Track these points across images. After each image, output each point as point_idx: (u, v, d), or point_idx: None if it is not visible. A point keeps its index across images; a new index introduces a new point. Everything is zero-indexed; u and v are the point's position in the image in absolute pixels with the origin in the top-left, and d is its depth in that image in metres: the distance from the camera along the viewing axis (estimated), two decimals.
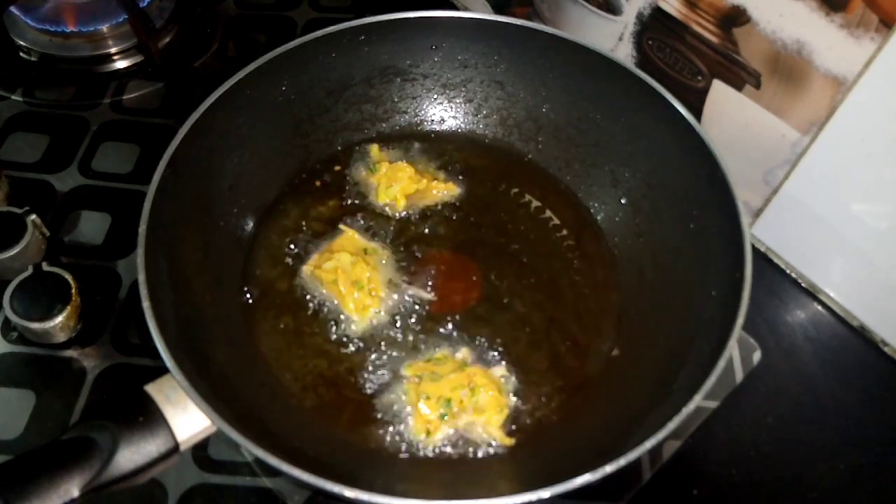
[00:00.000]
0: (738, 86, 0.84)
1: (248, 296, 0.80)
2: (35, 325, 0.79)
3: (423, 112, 0.94)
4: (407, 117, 0.94)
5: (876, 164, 0.77)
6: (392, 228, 0.86)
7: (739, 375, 0.83)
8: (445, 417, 0.72)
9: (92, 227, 0.92)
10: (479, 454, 0.71)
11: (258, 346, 0.77)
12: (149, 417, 0.59)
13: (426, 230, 0.85)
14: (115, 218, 0.93)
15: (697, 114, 0.88)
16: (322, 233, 0.84)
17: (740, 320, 0.64)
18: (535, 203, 0.88)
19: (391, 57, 0.88)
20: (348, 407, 0.73)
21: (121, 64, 1.10)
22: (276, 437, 0.65)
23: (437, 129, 0.94)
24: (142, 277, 0.64)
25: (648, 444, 0.58)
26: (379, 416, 0.73)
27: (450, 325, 0.78)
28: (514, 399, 0.74)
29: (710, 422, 0.79)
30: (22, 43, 1.09)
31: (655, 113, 0.78)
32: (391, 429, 0.72)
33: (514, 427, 0.73)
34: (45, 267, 0.82)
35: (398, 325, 0.78)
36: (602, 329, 0.79)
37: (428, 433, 0.72)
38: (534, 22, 0.85)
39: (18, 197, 0.93)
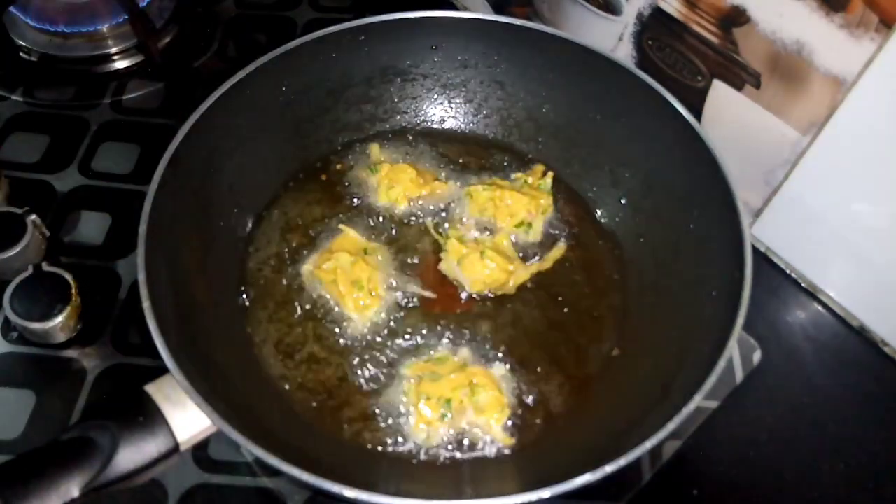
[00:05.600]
0: (738, 86, 0.84)
1: (248, 295, 0.80)
2: (35, 325, 0.79)
3: (423, 112, 0.94)
4: (407, 117, 0.94)
5: (876, 163, 0.77)
6: (392, 228, 0.86)
7: (739, 375, 0.83)
8: (446, 417, 0.72)
9: (92, 227, 0.92)
10: (480, 454, 0.71)
11: (258, 346, 0.77)
12: (149, 417, 0.59)
13: (426, 230, 0.85)
14: (115, 218, 0.93)
15: (697, 114, 0.88)
16: (322, 233, 0.85)
17: (740, 320, 0.64)
18: None
19: (391, 57, 0.88)
20: (348, 407, 0.73)
21: (121, 64, 1.10)
22: (276, 437, 0.65)
23: (438, 129, 0.94)
24: (142, 277, 0.64)
25: (648, 444, 0.58)
26: (379, 416, 0.73)
27: (450, 325, 0.78)
28: (514, 399, 0.74)
29: (710, 422, 0.79)
30: (22, 43, 1.09)
31: (655, 113, 0.78)
32: (391, 429, 0.72)
33: (514, 427, 0.73)
34: (45, 267, 0.82)
35: (398, 324, 0.78)
36: (602, 329, 0.79)
37: (428, 433, 0.72)
38: (534, 22, 0.85)
39: (18, 197, 0.93)
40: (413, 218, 0.86)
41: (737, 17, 0.80)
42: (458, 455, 0.71)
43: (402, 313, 0.79)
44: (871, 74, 0.72)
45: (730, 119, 0.87)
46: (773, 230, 0.91)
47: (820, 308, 0.90)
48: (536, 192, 0.86)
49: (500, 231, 0.85)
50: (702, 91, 0.88)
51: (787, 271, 0.92)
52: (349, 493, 0.56)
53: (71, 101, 1.05)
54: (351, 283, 0.79)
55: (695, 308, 0.72)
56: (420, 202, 0.87)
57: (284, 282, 0.81)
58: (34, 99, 1.05)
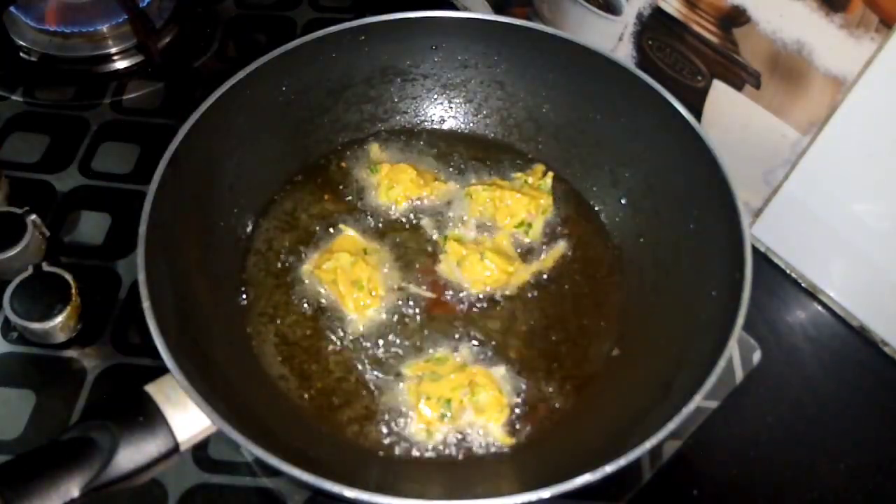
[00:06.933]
0: (738, 86, 0.84)
1: (248, 295, 0.80)
2: (35, 325, 0.79)
3: (423, 112, 0.94)
4: (407, 117, 0.94)
5: (876, 163, 0.77)
6: (392, 228, 0.86)
7: (739, 375, 0.83)
8: (446, 417, 0.72)
9: (92, 227, 0.92)
10: (480, 454, 0.71)
11: (258, 346, 0.77)
12: (149, 417, 0.59)
13: (426, 230, 0.85)
14: (115, 218, 0.93)
15: (697, 114, 0.88)
16: (322, 233, 0.85)
17: (740, 320, 0.64)
18: None
19: (391, 57, 0.88)
20: (348, 407, 0.73)
21: (121, 64, 1.10)
22: (276, 437, 0.65)
23: (438, 129, 0.94)
24: (142, 277, 0.64)
25: (648, 444, 0.58)
26: (379, 416, 0.73)
27: (450, 325, 0.78)
28: (514, 399, 0.74)
29: (710, 422, 0.79)
30: (22, 43, 1.09)
31: (655, 113, 0.78)
32: (391, 429, 0.72)
33: (514, 427, 0.73)
34: (45, 267, 0.82)
35: (398, 324, 0.78)
36: (602, 329, 0.79)
37: (428, 433, 0.72)
38: (534, 22, 0.85)
39: (18, 197, 0.93)
40: (413, 218, 0.86)
41: (737, 17, 0.80)
42: (458, 455, 0.71)
43: (402, 313, 0.79)
44: (871, 74, 0.72)
45: (730, 119, 0.87)
46: (773, 230, 0.91)
47: (820, 308, 0.90)
48: (536, 192, 0.86)
49: (500, 231, 0.85)
50: (702, 91, 0.88)
51: (787, 271, 0.92)
52: (349, 493, 0.56)
53: (71, 101, 1.05)
54: (351, 283, 0.79)
55: (695, 308, 0.72)
56: (420, 202, 0.87)
57: (284, 282, 0.81)
58: (34, 99, 1.05)
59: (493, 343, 0.77)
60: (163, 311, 0.64)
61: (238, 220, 0.83)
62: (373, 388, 0.74)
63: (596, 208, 0.88)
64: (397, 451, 0.71)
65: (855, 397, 0.84)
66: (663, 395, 0.65)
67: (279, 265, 0.82)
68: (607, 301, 0.81)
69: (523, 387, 0.75)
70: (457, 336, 0.78)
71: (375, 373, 0.75)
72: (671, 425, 0.59)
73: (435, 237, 0.85)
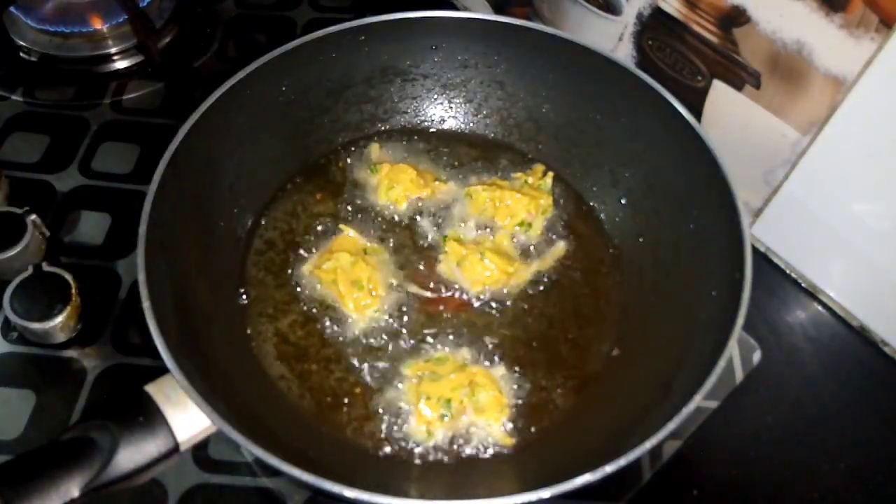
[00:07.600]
0: (738, 86, 0.84)
1: (248, 295, 0.80)
2: (35, 325, 0.79)
3: (423, 112, 0.94)
4: (407, 117, 0.94)
5: (876, 163, 0.77)
6: (392, 228, 0.86)
7: (739, 375, 0.83)
8: (446, 418, 0.72)
9: (92, 227, 0.92)
10: (480, 454, 0.71)
11: (258, 346, 0.77)
12: (149, 417, 0.59)
13: (426, 230, 0.85)
14: (115, 218, 0.93)
15: (697, 114, 0.88)
16: (322, 233, 0.85)
17: (740, 320, 0.64)
18: None
19: (391, 57, 0.88)
20: (348, 407, 0.73)
21: (121, 64, 1.10)
22: (276, 437, 0.65)
23: (438, 129, 0.94)
24: (142, 277, 0.64)
25: (648, 444, 0.58)
26: (379, 416, 0.73)
27: (450, 325, 0.78)
28: (514, 399, 0.74)
29: (710, 422, 0.79)
30: (22, 43, 1.09)
31: (655, 113, 0.78)
32: (391, 429, 0.72)
33: (514, 427, 0.73)
34: (45, 267, 0.82)
35: (398, 324, 0.78)
36: (602, 329, 0.79)
37: (428, 433, 0.72)
38: (534, 22, 0.85)
39: (18, 197, 0.93)
40: (413, 218, 0.86)
41: (737, 17, 0.80)
42: (458, 455, 0.71)
43: (402, 313, 0.79)
44: (871, 74, 0.72)
45: (730, 119, 0.87)
46: (773, 230, 0.91)
47: (820, 308, 0.90)
48: (536, 192, 0.86)
49: (500, 231, 0.85)
50: (702, 91, 0.88)
51: (787, 271, 0.92)
52: (349, 493, 0.56)
53: (71, 101, 1.05)
54: (351, 283, 0.79)
55: (695, 308, 0.72)
56: (420, 202, 0.87)
57: (284, 282, 0.81)
58: (34, 99, 1.05)
59: (493, 343, 0.77)
60: (163, 311, 0.64)
61: (238, 220, 0.83)
62: (373, 388, 0.74)
63: (596, 208, 0.88)
64: (397, 450, 0.71)
65: (855, 397, 0.83)
66: (663, 395, 0.65)
67: (279, 265, 0.82)
68: (607, 301, 0.81)
69: (523, 387, 0.75)
70: (457, 336, 0.78)
71: (376, 373, 0.75)
72: (671, 425, 0.59)
73: (435, 237, 0.85)
